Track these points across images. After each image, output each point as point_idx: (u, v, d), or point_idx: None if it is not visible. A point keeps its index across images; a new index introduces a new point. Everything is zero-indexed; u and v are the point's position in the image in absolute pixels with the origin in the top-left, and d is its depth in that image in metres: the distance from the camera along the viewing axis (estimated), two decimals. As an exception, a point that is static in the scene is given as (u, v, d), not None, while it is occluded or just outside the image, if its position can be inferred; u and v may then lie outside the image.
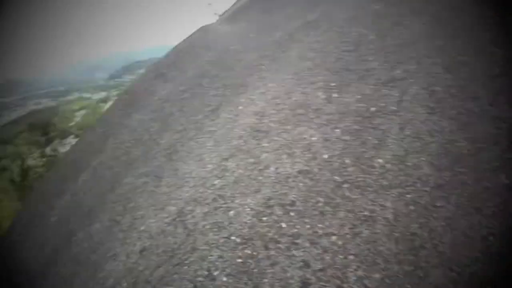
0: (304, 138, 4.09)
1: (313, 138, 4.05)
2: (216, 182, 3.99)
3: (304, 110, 4.55)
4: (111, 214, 4.97)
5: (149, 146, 6.01)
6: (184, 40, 15.62)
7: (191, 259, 3.30)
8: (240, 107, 5.30)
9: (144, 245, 3.89)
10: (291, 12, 8.66)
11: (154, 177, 4.97)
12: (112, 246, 4.32)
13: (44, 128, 49.77)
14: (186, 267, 3.27)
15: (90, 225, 5.14)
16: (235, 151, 4.35)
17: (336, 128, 4.09)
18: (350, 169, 3.51)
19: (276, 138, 4.20)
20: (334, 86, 4.81)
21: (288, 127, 4.33)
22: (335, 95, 4.64)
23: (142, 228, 4.18)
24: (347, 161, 3.61)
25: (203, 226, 3.51)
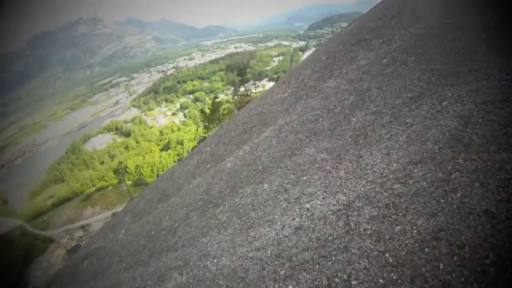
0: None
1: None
2: (395, 186, 4.37)
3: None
4: (283, 180, 6.23)
5: (338, 120, 6.83)
6: None
7: (339, 257, 3.99)
8: (445, 103, 5.42)
9: (302, 224, 4.92)
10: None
11: (336, 156, 5.74)
12: (272, 212, 5.69)
13: (240, 70, 59.61)
14: (330, 263, 4.01)
15: (259, 183, 6.81)
16: (426, 157, 4.55)
17: None
18: None
19: (475, 157, 4.13)
20: None
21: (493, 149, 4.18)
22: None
23: (307, 206, 5.15)
24: None
25: (365, 229, 4.09)
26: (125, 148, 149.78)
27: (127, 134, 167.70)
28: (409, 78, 6.70)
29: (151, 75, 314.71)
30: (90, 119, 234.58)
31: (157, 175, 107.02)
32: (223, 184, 8.29)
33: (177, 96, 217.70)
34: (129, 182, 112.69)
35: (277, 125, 8.86)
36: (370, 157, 5.16)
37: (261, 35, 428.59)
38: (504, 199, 3.35)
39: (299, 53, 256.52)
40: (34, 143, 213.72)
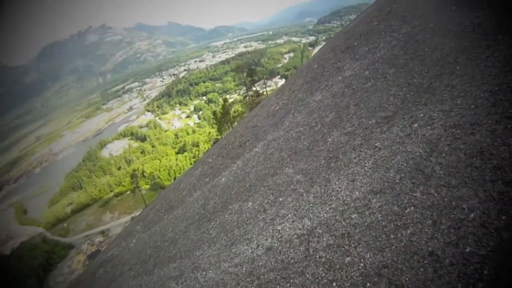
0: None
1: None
2: (353, 216, 4.62)
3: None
4: (263, 200, 6.64)
5: (317, 139, 7.13)
6: None
7: (296, 280, 4.38)
8: (415, 125, 5.46)
9: (272, 245, 5.31)
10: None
11: (309, 179, 6.05)
12: (251, 231, 6.12)
13: (249, 70, 59.99)
14: (288, 285, 4.41)
15: (245, 201, 7.24)
16: (387, 186, 4.68)
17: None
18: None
19: (432, 192, 4.14)
20: None
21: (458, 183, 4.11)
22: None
23: (279, 228, 5.54)
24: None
25: (320, 257, 4.42)
26: (141, 152, 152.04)
27: (143, 139, 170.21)
28: (385, 95, 6.82)
29: (163, 79, 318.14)
30: (105, 126, 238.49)
31: (174, 178, 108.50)
32: (217, 199, 8.76)
33: (190, 99, 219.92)
34: (146, 186, 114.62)
35: (266, 141, 9.24)
36: (337, 183, 5.38)
37: (271, 33, 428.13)
38: (452, 242, 3.40)
39: (310, 48, 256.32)
40: (50, 152, 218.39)
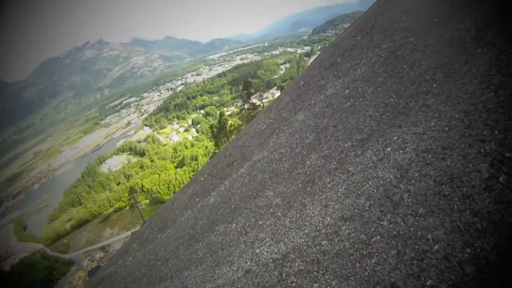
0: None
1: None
2: (323, 243, 4.75)
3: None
4: (245, 222, 6.86)
5: (296, 162, 7.36)
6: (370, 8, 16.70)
7: None
8: (388, 149, 5.46)
9: (250, 268, 5.51)
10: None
11: (287, 203, 6.26)
12: (233, 253, 6.31)
13: (245, 83, 60.50)
14: None
15: (230, 223, 7.44)
16: (356, 213, 4.76)
17: None
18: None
19: (399, 221, 4.16)
20: None
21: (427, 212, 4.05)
22: None
23: (257, 251, 5.74)
24: None
25: (291, 282, 4.59)
26: (140, 167, 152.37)
27: (142, 154, 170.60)
28: (362, 116, 6.90)
29: (161, 93, 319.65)
30: (103, 141, 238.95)
31: (174, 192, 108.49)
32: (205, 220, 8.96)
33: (188, 112, 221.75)
34: (146, 201, 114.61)
35: (252, 161, 9.49)
36: (311, 208, 5.52)
37: (266, 44, 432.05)
38: (414, 274, 3.39)
39: (305, 58, 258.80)
40: (49, 168, 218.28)
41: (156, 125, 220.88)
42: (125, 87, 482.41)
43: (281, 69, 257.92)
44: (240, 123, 57.84)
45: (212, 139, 58.30)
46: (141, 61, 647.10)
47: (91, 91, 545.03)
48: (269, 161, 8.57)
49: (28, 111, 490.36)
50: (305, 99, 10.68)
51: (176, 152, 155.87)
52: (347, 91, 8.58)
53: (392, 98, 6.66)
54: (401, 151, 5.14)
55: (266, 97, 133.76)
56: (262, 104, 65.68)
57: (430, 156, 4.65)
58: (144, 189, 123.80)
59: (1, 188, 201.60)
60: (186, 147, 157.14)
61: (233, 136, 43.14)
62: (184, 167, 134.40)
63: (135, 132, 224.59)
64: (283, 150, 8.48)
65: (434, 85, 6.01)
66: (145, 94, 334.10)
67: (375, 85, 7.66)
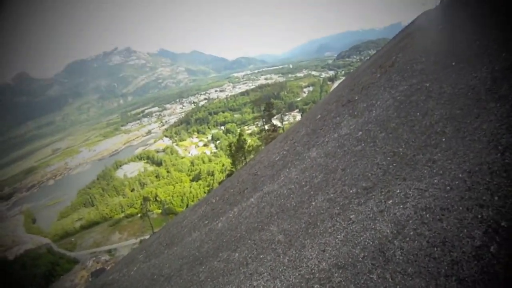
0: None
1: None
2: (315, 286, 4.90)
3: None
4: (248, 254, 7.08)
5: (303, 201, 7.54)
6: (387, 46, 16.90)
7: None
8: (390, 202, 5.50)
9: None
10: None
11: (289, 241, 6.42)
12: (232, 282, 6.55)
13: (267, 104, 60.81)
14: None
15: (233, 251, 7.73)
16: (350, 263, 4.88)
17: None
18: None
19: (388, 277, 4.27)
20: None
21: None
22: None
23: (255, 284, 5.91)
24: None
25: None
26: (156, 177, 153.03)
27: (159, 163, 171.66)
28: (371, 163, 6.99)
29: (183, 105, 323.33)
30: (122, 147, 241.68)
31: (187, 206, 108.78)
32: (211, 244, 9.25)
33: (209, 127, 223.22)
34: (158, 211, 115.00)
35: (262, 192, 9.77)
36: (310, 250, 5.67)
37: (291, 66, 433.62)
38: None
39: (329, 83, 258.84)
40: (66, 166, 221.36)
41: (176, 136, 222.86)
42: (149, 96, 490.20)
43: (304, 92, 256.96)
44: (260, 143, 58.08)
45: (230, 157, 58.77)
46: (167, 72, 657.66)
47: (115, 96, 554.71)
48: (278, 195, 8.77)
49: (51, 109, 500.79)
50: (320, 135, 10.95)
51: (193, 166, 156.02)
52: (360, 133, 8.77)
53: (401, 147, 6.77)
54: (401, 206, 5.18)
55: (287, 119, 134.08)
56: (282, 127, 65.93)
57: (428, 215, 4.63)
58: (157, 198, 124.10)
59: (15, 179, 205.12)
60: (204, 162, 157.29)
61: (251, 156, 43.46)
62: (200, 181, 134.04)
63: (154, 142, 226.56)
64: (293, 186, 8.65)
65: (443, 139, 6.06)
66: (167, 105, 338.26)
67: (387, 131, 7.81)
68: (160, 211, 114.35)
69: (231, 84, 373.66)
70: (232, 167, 55.06)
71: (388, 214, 5.23)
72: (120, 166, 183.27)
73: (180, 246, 11.70)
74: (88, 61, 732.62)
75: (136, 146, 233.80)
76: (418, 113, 7.59)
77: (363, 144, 8.11)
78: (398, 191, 5.58)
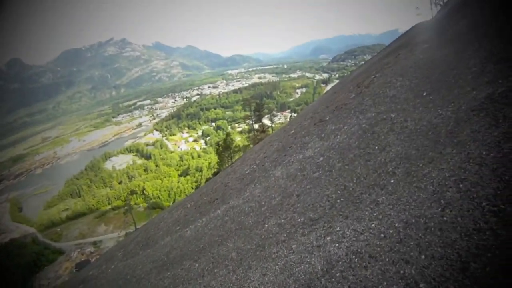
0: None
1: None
2: None
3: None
4: (205, 266, 7.56)
5: (259, 221, 7.93)
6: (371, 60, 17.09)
7: None
8: (328, 238, 5.64)
9: None
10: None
11: (239, 259, 6.83)
12: None
13: (257, 105, 61.32)
14: None
15: (195, 261, 8.24)
16: None
17: None
18: None
19: None
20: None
21: None
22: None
23: None
24: None
25: None
26: (144, 170, 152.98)
27: (148, 157, 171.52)
28: (322, 193, 7.15)
29: (175, 100, 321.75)
30: (112, 138, 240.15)
31: (174, 200, 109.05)
32: (178, 251, 9.77)
33: (200, 123, 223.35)
34: (144, 204, 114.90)
35: (228, 206, 10.28)
36: (254, 272, 6.00)
37: (285, 66, 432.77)
38: None
39: (322, 85, 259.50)
40: (54, 155, 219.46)
41: (166, 131, 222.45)
42: (141, 89, 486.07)
43: (297, 93, 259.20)
44: (247, 143, 58.60)
45: (217, 156, 59.21)
46: (161, 66, 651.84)
47: (108, 87, 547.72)
48: (240, 212, 9.23)
49: (43, 97, 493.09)
50: (287, 154, 11.28)
51: (182, 161, 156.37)
52: (321, 158, 9.04)
53: (352, 182, 6.86)
54: (337, 245, 5.28)
55: (279, 119, 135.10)
56: (272, 126, 66.53)
57: (356, 260, 4.68)
58: (145, 192, 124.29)
59: (3, 166, 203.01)
60: (193, 157, 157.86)
61: (240, 154, 44.06)
62: (188, 177, 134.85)
63: (144, 135, 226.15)
64: (253, 204, 9.06)
65: (392, 180, 6.06)
66: (160, 99, 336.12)
67: (344, 161, 7.96)
68: (146, 204, 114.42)
69: (224, 81, 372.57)
70: (218, 167, 55.59)
71: (324, 250, 5.31)
72: (109, 157, 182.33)
73: (153, 249, 12.22)
74: (82, 50, 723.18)
75: (126, 138, 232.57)
76: (376, 147, 7.56)
77: (320, 172, 8.26)
78: (338, 228, 5.67)
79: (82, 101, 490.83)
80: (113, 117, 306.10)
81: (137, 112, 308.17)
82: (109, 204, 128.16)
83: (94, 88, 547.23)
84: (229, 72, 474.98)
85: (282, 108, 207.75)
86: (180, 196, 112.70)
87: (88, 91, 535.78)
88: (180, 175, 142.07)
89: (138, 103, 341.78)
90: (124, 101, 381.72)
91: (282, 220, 7.16)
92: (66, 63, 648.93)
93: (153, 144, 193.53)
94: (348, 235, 5.30)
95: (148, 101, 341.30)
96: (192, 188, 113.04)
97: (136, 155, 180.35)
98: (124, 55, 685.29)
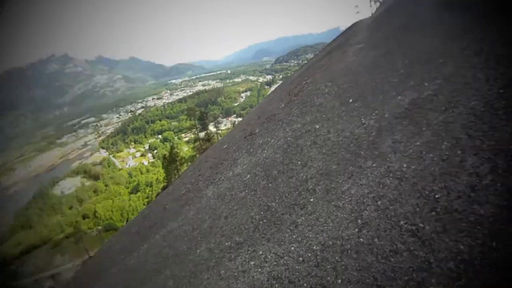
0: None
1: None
2: None
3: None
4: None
5: (190, 247, 7.87)
6: (315, 58, 17.46)
7: None
8: (252, 263, 5.60)
9: None
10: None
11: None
12: None
13: (201, 114, 61.65)
14: None
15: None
16: None
17: None
18: None
19: None
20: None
21: None
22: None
23: None
24: None
25: None
26: (94, 191, 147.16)
27: (96, 177, 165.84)
28: (247, 215, 7.04)
29: (120, 115, 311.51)
30: (58, 161, 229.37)
31: (127, 220, 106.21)
32: (125, 282, 9.46)
33: (146, 137, 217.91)
34: (99, 227, 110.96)
35: (165, 230, 10.23)
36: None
37: (229, 71, 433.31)
38: None
39: (266, 87, 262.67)
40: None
41: (112, 148, 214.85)
42: (85, 106, 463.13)
43: (242, 97, 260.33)
44: (194, 153, 58.62)
45: (164, 170, 58.92)
46: (104, 80, 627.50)
47: (51, 107, 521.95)
48: (175, 236, 9.16)
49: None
50: (219, 171, 11.17)
51: (131, 177, 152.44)
52: (248, 176, 8.88)
53: (275, 201, 6.73)
54: (259, 270, 5.22)
55: (225, 125, 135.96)
56: (218, 134, 67.10)
57: (277, 285, 4.64)
58: (97, 214, 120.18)
59: None
60: (142, 173, 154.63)
61: (183, 169, 43.99)
62: (139, 193, 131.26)
63: (91, 154, 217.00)
64: (187, 228, 8.97)
65: (312, 199, 5.92)
66: (104, 115, 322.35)
67: (269, 178, 7.81)
68: (100, 227, 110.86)
69: (168, 91, 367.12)
70: (165, 182, 55.22)
71: (248, 276, 5.24)
72: (57, 182, 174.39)
73: (103, 281, 11.79)
74: (23, 69, 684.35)
75: (72, 160, 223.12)
76: (299, 162, 7.35)
77: (246, 191, 8.06)
78: (260, 252, 5.57)
79: (25, 124, 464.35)
80: (58, 139, 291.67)
81: (82, 131, 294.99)
82: (61, 232, 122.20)
83: (36, 109, 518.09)
84: (173, 81, 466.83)
85: (227, 113, 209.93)
86: (133, 214, 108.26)
87: (30, 113, 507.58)
88: (130, 193, 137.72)
89: (83, 122, 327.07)
90: (68, 121, 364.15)
91: (212, 245, 7.06)
92: (6, 85, 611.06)
93: (100, 163, 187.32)
94: (269, 259, 5.27)
95: (92, 118, 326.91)
96: (144, 204, 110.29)
97: (84, 177, 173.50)
98: (66, 71, 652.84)
